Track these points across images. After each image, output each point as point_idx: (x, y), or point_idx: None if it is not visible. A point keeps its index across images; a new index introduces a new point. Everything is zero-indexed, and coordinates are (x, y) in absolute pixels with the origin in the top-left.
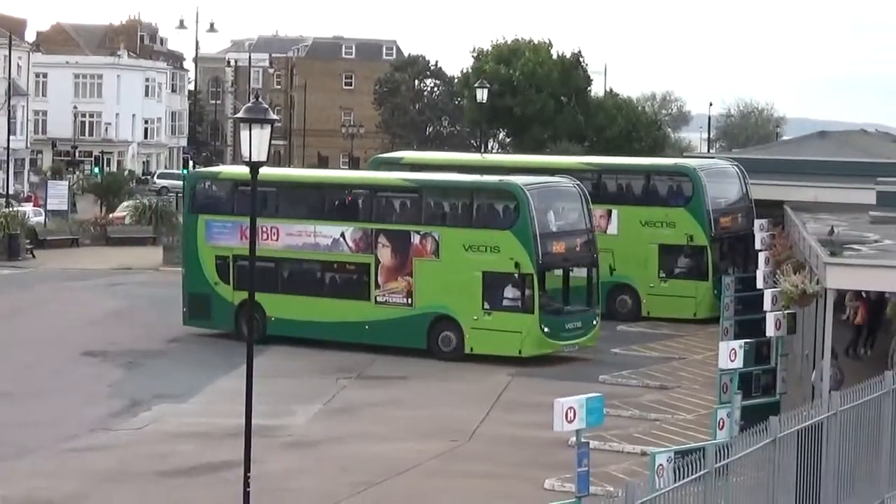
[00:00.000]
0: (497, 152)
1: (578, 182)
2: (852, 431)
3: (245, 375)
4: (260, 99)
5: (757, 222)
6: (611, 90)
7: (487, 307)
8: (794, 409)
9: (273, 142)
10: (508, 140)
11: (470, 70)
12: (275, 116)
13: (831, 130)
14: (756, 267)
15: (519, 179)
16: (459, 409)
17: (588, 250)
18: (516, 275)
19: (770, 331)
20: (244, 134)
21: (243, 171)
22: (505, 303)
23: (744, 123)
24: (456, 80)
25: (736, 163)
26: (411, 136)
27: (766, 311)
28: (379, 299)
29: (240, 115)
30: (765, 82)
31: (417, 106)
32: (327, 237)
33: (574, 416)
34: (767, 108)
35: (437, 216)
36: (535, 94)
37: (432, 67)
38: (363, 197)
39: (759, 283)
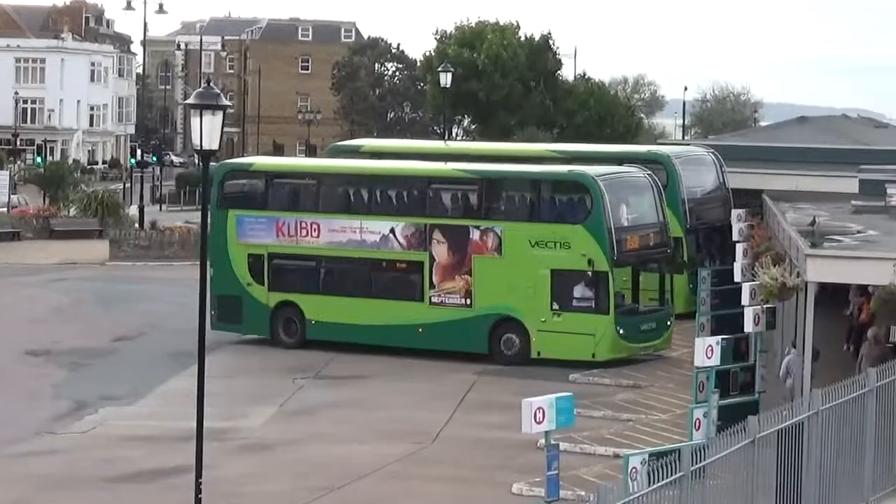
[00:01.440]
0: (461, 139)
1: (650, 172)
2: (834, 431)
3: (196, 375)
4: (211, 84)
5: (734, 212)
6: (581, 74)
7: (557, 308)
8: (774, 409)
9: (225, 129)
10: (473, 127)
11: (433, 53)
12: (227, 102)
13: (812, 115)
14: (733, 259)
15: (590, 170)
16: (422, 409)
17: (662, 245)
18: (589, 273)
19: (748, 326)
20: (195, 121)
21: (278, 161)
22: (576, 303)
23: (719, 108)
24: (418, 64)
25: (712, 150)
26: (371, 123)
27: (744, 306)
28: (434, 300)
29: (190, 100)
30: (741, 65)
31: (378, 91)
32: (375, 233)
33: (543, 417)
34: (744, 93)
35: (500, 210)
36: (500, 79)
37: (393, 51)
38: (416, 189)
39: (737, 277)
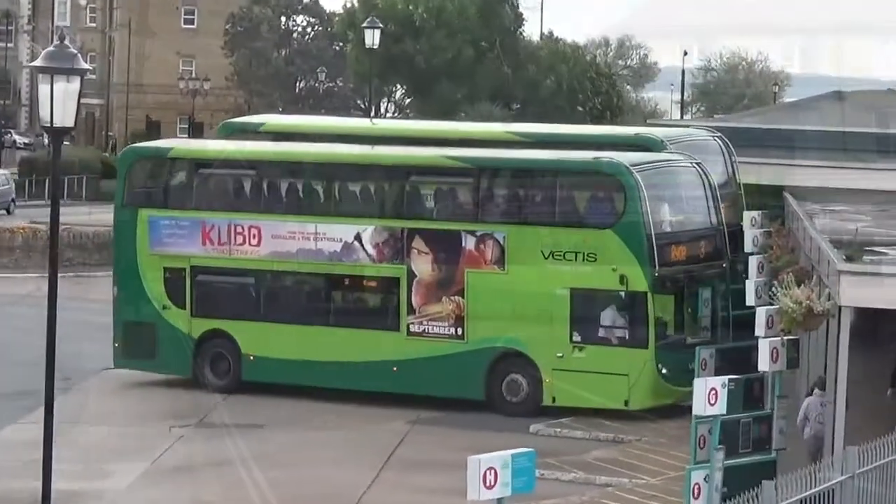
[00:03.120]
0: (393, 117)
1: (699, 161)
2: (874, 501)
3: (43, 421)
4: (66, 41)
5: (747, 215)
6: (549, 33)
7: (578, 340)
8: (796, 471)
9: (85, 100)
10: (408, 101)
11: (356, 4)
12: (87, 65)
13: (849, 90)
14: (746, 276)
15: (622, 157)
16: (339, 468)
17: (716, 256)
18: (622, 293)
19: (764, 364)
20: (44, 89)
21: (204, 146)
22: (604, 333)
23: (729, 80)
24: (337, 19)
25: (718, 134)
26: (275, 95)
27: (758, 337)
28: (413, 329)
29: (38, 63)
30: (757, 25)
31: (284, 53)
32: (335, 240)
33: (495, 480)
34: (761, 60)
35: (502, 209)
36: (444, 39)
37: (306, 0)
38: (390, 183)
39: (750, 299)
